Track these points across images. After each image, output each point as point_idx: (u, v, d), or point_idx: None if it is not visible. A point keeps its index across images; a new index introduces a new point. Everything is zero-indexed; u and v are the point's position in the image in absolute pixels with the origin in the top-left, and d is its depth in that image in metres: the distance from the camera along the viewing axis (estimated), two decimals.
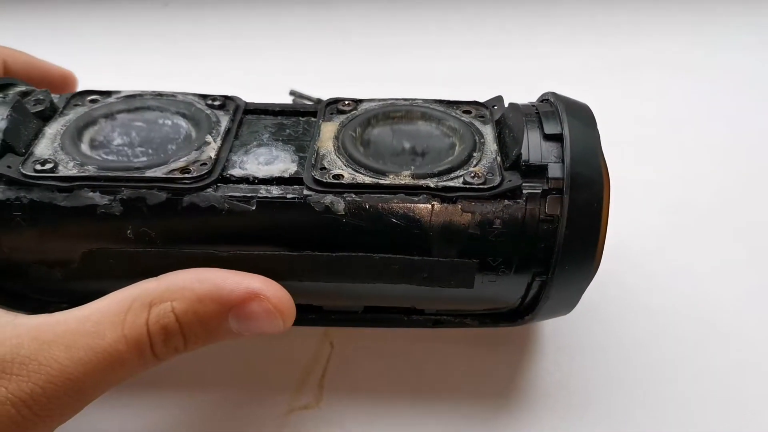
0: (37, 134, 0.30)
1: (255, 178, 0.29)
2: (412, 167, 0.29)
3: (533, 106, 0.32)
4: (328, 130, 0.31)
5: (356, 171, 0.28)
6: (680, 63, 0.51)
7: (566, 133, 0.28)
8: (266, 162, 0.29)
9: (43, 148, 0.29)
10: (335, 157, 0.29)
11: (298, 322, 0.29)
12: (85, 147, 0.30)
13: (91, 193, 0.27)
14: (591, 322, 0.37)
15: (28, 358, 0.24)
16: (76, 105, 0.32)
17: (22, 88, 0.33)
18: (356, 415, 0.34)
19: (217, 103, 0.33)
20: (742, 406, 0.34)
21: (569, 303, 0.31)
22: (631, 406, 0.34)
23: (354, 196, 0.28)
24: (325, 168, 0.29)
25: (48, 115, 0.31)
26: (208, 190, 0.28)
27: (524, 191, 0.28)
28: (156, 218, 0.28)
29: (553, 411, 0.34)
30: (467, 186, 0.28)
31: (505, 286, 0.29)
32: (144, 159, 0.29)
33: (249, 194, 0.28)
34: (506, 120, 0.31)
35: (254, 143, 0.31)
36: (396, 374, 0.36)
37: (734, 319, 0.37)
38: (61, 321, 0.25)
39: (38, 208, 0.28)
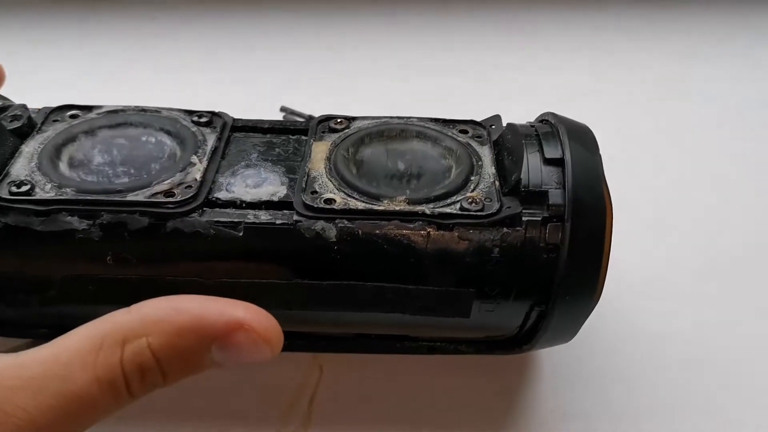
0: (13, 153, 0.29)
1: (242, 201, 0.27)
2: (407, 191, 0.28)
3: (532, 126, 0.31)
4: (320, 150, 0.30)
5: (349, 195, 0.27)
6: (674, 85, 0.51)
7: (567, 157, 0.27)
8: (254, 185, 0.28)
9: (20, 168, 0.28)
10: (327, 179, 0.28)
11: (286, 347, 0.28)
12: (63, 166, 0.29)
13: (69, 218, 0.26)
14: (589, 348, 0.36)
15: None
16: (55, 121, 0.31)
17: None
18: None
19: (203, 119, 0.31)
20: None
21: (569, 333, 0.30)
22: None
23: (346, 222, 0.26)
24: (316, 192, 0.27)
25: (25, 131, 0.30)
26: (193, 215, 0.26)
27: (524, 218, 0.27)
28: (137, 244, 0.26)
29: None
30: (464, 213, 0.27)
31: (503, 315, 0.28)
32: (126, 179, 0.28)
33: (236, 219, 0.26)
34: (505, 142, 0.30)
35: (242, 164, 0.29)
36: (387, 399, 0.34)
37: (735, 348, 0.37)
38: (27, 364, 0.23)
39: (14, 233, 0.26)
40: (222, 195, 0.28)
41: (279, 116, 0.43)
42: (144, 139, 0.30)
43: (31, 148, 0.29)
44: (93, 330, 0.23)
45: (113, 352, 0.23)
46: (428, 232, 0.26)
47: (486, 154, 0.30)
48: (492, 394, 0.35)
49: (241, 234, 0.26)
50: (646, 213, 0.42)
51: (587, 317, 0.29)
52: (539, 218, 0.27)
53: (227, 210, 0.27)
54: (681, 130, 0.48)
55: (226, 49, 0.51)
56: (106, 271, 0.27)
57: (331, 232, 0.26)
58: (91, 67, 0.44)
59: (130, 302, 0.27)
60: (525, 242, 0.27)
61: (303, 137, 0.32)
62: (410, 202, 0.27)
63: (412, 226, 0.26)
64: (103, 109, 0.31)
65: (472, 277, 0.27)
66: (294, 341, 0.31)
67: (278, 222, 0.27)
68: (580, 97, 0.49)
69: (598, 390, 0.35)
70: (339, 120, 0.32)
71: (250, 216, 0.27)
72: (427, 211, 0.27)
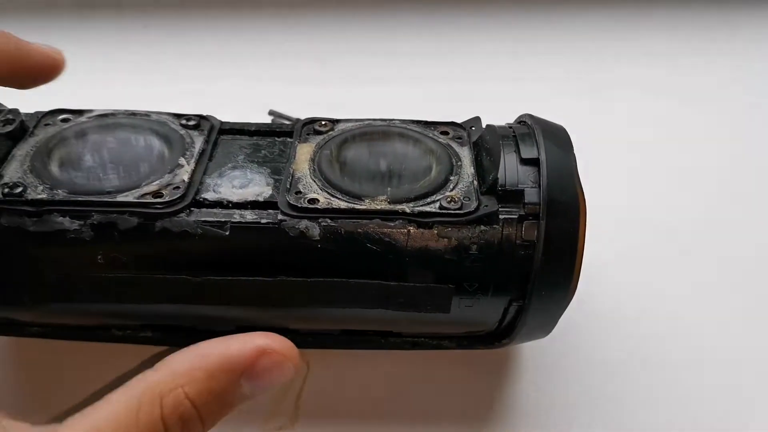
0: (6, 156, 0.29)
1: (229, 202, 0.28)
2: (389, 189, 0.29)
3: (510, 127, 0.32)
4: (304, 152, 0.31)
5: (332, 195, 0.28)
6: (655, 86, 0.52)
7: (543, 157, 0.28)
8: (240, 185, 0.29)
9: (12, 170, 0.29)
10: (311, 180, 0.29)
11: None
12: (55, 168, 0.29)
13: (60, 218, 0.27)
14: (568, 341, 0.37)
15: None
16: (46, 125, 0.31)
17: None
18: None
19: (191, 122, 0.32)
20: (722, 424, 0.35)
21: (546, 327, 0.31)
22: (610, 425, 0.34)
23: (329, 221, 0.27)
24: (300, 192, 0.28)
25: (17, 135, 0.31)
26: (181, 215, 0.27)
27: (500, 216, 0.28)
28: (127, 243, 0.27)
29: (532, 430, 0.34)
30: (443, 212, 0.28)
31: (482, 310, 0.29)
32: (116, 181, 0.29)
33: (223, 219, 0.27)
34: (483, 143, 0.31)
35: (229, 165, 0.30)
36: (373, 395, 0.35)
37: (711, 339, 0.38)
38: None
39: (7, 233, 0.27)
40: (209, 195, 0.28)
41: (268, 120, 0.43)
42: (133, 141, 0.31)
43: (23, 151, 0.30)
44: (127, 395, 0.23)
45: (152, 410, 0.23)
46: (408, 230, 0.27)
47: (465, 154, 0.31)
48: (475, 387, 0.36)
49: (227, 233, 0.27)
50: (623, 209, 0.43)
51: (563, 311, 0.29)
52: (515, 216, 0.28)
53: (214, 210, 0.28)
54: (658, 129, 0.49)
55: (216, 55, 0.51)
56: (97, 270, 0.27)
57: (315, 230, 0.27)
58: (83, 73, 0.44)
59: (120, 300, 0.28)
60: (502, 239, 0.27)
61: (288, 139, 0.32)
62: (391, 201, 0.28)
63: (392, 224, 0.27)
64: (94, 113, 0.32)
65: (451, 274, 0.28)
66: None
67: (263, 221, 0.27)
68: (561, 97, 0.50)
69: (578, 382, 0.36)
70: (323, 122, 0.33)
71: (236, 216, 0.28)
72: (408, 210, 0.27)
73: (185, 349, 0.25)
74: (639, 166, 0.46)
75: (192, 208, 0.28)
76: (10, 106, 0.33)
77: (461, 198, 0.28)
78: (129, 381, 0.24)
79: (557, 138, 0.30)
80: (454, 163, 0.30)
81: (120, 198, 0.27)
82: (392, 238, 0.27)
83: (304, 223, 0.27)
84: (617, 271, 0.40)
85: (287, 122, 0.42)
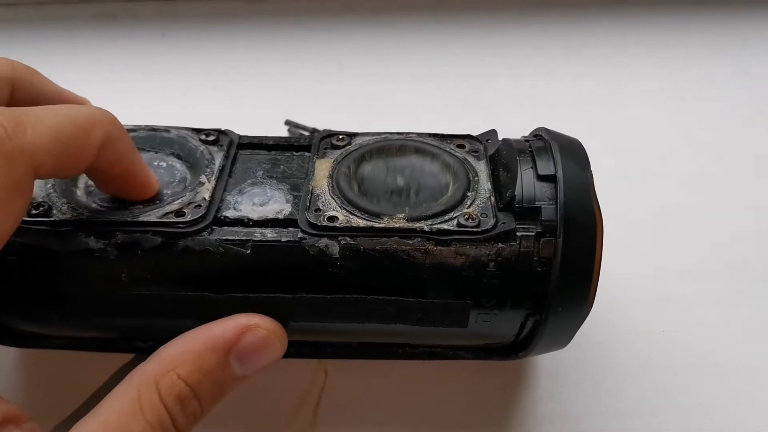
0: None
1: (249, 219, 0.29)
2: (407, 208, 0.29)
3: (526, 141, 0.32)
4: (323, 168, 0.31)
5: (351, 213, 0.28)
6: (670, 96, 0.51)
7: (560, 174, 0.28)
8: (261, 203, 0.29)
9: (36, 189, 0.29)
10: (329, 197, 0.29)
11: (292, 354, 0.29)
12: (78, 188, 0.30)
13: (85, 238, 0.27)
14: (583, 351, 0.37)
15: None
16: None
17: None
18: None
19: (210, 138, 0.32)
20: None
21: (562, 341, 0.31)
22: None
23: (348, 239, 0.28)
24: (319, 209, 0.29)
25: None
26: (203, 234, 0.28)
27: (518, 233, 0.28)
28: (151, 262, 0.28)
29: None
30: (461, 229, 0.28)
31: (499, 325, 0.30)
32: (139, 203, 0.29)
33: (244, 238, 0.28)
34: (500, 157, 0.31)
35: (248, 181, 0.31)
36: (390, 402, 0.36)
37: (728, 350, 0.38)
38: None
39: (32, 252, 0.28)
40: (230, 213, 0.29)
41: (284, 129, 0.44)
42: (155, 163, 0.31)
43: None
44: (126, 387, 0.25)
45: (151, 394, 0.25)
46: (427, 248, 0.28)
47: (482, 169, 0.31)
48: (490, 396, 0.36)
49: (248, 252, 0.28)
50: (638, 220, 0.43)
51: (580, 326, 0.30)
52: (533, 233, 0.28)
53: (235, 228, 0.28)
54: (673, 140, 0.49)
55: (232, 64, 0.52)
56: (121, 288, 0.28)
57: (335, 248, 0.28)
58: (100, 84, 0.45)
59: (144, 316, 0.29)
60: (519, 256, 0.28)
61: (306, 153, 0.33)
62: (409, 219, 0.28)
63: (411, 242, 0.28)
64: None
65: (469, 290, 0.28)
66: (299, 348, 0.32)
67: (284, 239, 0.28)
68: (573, 107, 0.50)
69: (593, 392, 0.36)
70: (341, 137, 0.33)
71: (257, 234, 0.28)
72: (426, 228, 0.28)
73: (174, 339, 0.27)
74: (655, 175, 0.46)
75: (213, 227, 0.28)
76: None
77: (479, 215, 0.28)
78: (126, 376, 0.26)
79: (574, 154, 0.30)
80: (471, 179, 0.30)
81: (143, 217, 0.28)
82: (411, 255, 0.28)
83: (323, 242, 0.28)
84: (633, 281, 0.40)
85: (304, 132, 0.42)
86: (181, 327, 0.29)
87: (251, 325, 0.27)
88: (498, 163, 0.31)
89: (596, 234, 0.28)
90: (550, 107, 0.49)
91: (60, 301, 0.29)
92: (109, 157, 0.27)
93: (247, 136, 0.34)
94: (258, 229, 0.28)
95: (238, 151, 0.33)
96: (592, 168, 0.29)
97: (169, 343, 0.27)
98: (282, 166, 0.32)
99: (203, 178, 0.30)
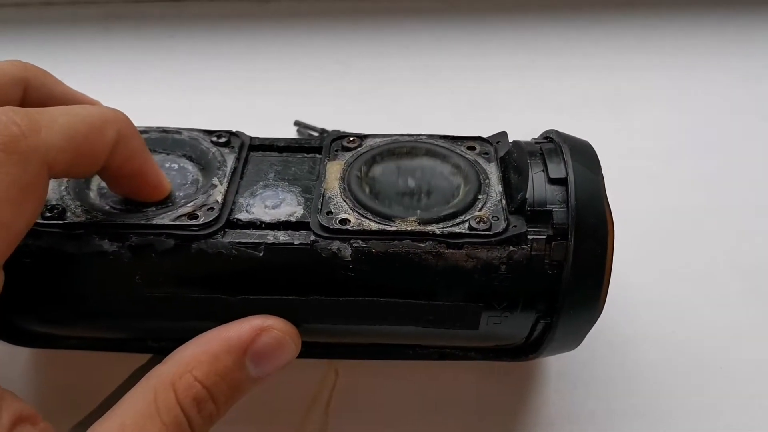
0: None
1: (262, 222, 0.29)
2: (418, 211, 0.29)
3: (537, 143, 0.32)
4: (334, 170, 0.31)
5: (363, 216, 0.29)
6: (679, 97, 0.51)
7: (571, 178, 0.29)
8: (273, 206, 0.30)
9: (50, 192, 0.29)
10: (341, 200, 0.29)
11: (303, 354, 0.30)
12: (92, 190, 0.30)
13: (99, 240, 0.28)
14: (593, 352, 0.37)
15: None
16: None
17: None
18: None
19: (222, 139, 0.33)
20: None
21: (573, 342, 0.31)
22: None
23: (360, 242, 0.28)
24: (331, 212, 0.29)
25: None
26: (216, 236, 0.28)
27: (529, 237, 0.28)
28: (164, 264, 0.28)
29: None
30: (472, 232, 0.28)
31: (510, 327, 0.30)
32: (151, 205, 0.29)
33: (256, 240, 0.28)
34: (511, 159, 0.31)
35: (260, 184, 0.31)
36: (401, 402, 0.36)
37: (737, 352, 0.38)
38: None
39: (47, 255, 0.28)
40: (242, 216, 0.29)
41: (293, 130, 0.44)
42: (167, 165, 0.31)
43: None
44: (142, 388, 0.25)
45: (168, 396, 0.25)
46: (438, 251, 0.28)
47: (493, 171, 0.31)
48: (500, 397, 0.36)
49: (261, 254, 0.28)
50: (650, 222, 0.43)
51: (591, 327, 0.30)
52: (544, 236, 0.28)
53: (248, 231, 0.28)
54: (682, 141, 0.49)
55: (241, 65, 0.52)
56: (135, 289, 0.28)
57: (347, 251, 0.28)
58: (109, 85, 0.45)
59: (157, 318, 0.29)
60: (530, 259, 0.28)
61: (317, 155, 0.33)
62: (421, 222, 0.28)
63: (423, 245, 0.28)
64: None
65: (480, 292, 0.28)
66: (310, 349, 0.32)
67: (296, 242, 0.28)
68: (582, 109, 0.50)
69: (602, 393, 0.36)
70: (351, 138, 0.33)
71: (270, 237, 0.28)
72: (437, 231, 0.28)
73: (190, 341, 0.27)
74: (664, 177, 0.46)
75: (226, 230, 0.28)
76: None
77: (490, 218, 0.28)
78: (142, 378, 0.26)
79: (585, 157, 0.30)
80: (482, 181, 0.30)
81: (156, 220, 0.28)
82: (422, 258, 0.28)
83: (336, 244, 0.28)
84: (642, 282, 0.40)
85: (313, 133, 0.42)
86: (194, 329, 0.30)
87: (266, 327, 0.27)
88: (509, 165, 0.31)
89: (607, 237, 0.28)
90: (558, 109, 0.49)
91: (74, 304, 0.29)
92: (121, 156, 0.27)
93: (258, 138, 0.34)
94: (270, 232, 0.28)
95: (249, 153, 0.33)
96: (603, 169, 0.29)
97: (185, 345, 0.27)
98: (293, 168, 0.32)
99: (215, 181, 0.30)
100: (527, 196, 0.29)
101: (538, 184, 0.29)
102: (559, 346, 0.31)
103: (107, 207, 0.29)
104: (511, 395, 0.36)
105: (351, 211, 0.29)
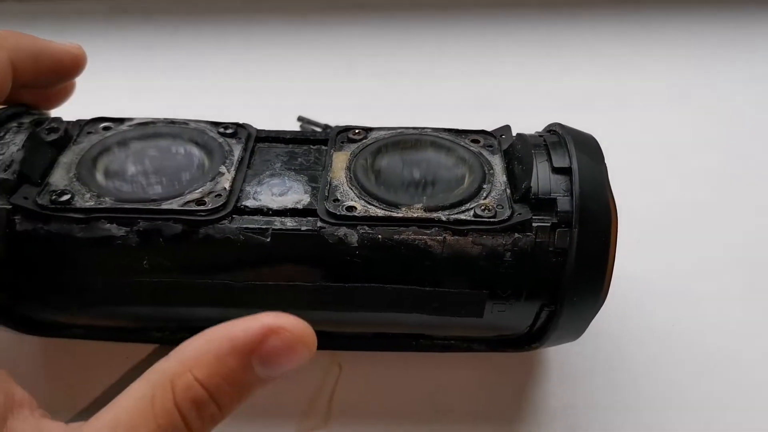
0: (51, 163, 0.30)
1: (269, 209, 0.29)
2: (424, 198, 0.29)
3: (540, 136, 0.32)
4: (340, 160, 0.31)
5: (369, 203, 0.29)
6: (676, 93, 0.52)
7: (575, 166, 0.29)
8: (280, 193, 0.30)
9: (59, 177, 0.29)
10: (348, 188, 0.30)
11: None
12: (100, 176, 0.30)
13: (107, 225, 0.28)
14: (595, 344, 0.37)
15: None
16: (89, 133, 0.32)
17: (35, 116, 0.33)
18: None
19: (229, 131, 0.33)
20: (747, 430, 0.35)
21: (576, 332, 0.31)
22: (638, 426, 0.35)
23: (367, 228, 0.28)
24: (338, 200, 0.29)
25: (62, 143, 0.31)
26: (224, 222, 0.28)
27: (534, 224, 0.28)
28: (172, 250, 0.28)
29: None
30: (478, 219, 0.28)
31: (514, 315, 0.30)
32: (159, 189, 0.29)
33: (264, 226, 0.28)
34: (515, 151, 0.32)
35: (267, 173, 0.31)
36: (403, 396, 0.36)
37: (739, 346, 0.38)
38: None
39: (56, 240, 0.28)
40: (249, 203, 0.29)
41: (296, 125, 0.44)
42: (174, 149, 0.32)
43: (68, 158, 0.31)
44: (143, 384, 0.24)
45: (166, 396, 0.24)
46: (444, 238, 0.28)
47: (497, 162, 0.32)
48: (503, 389, 0.36)
49: (268, 240, 0.28)
50: (652, 216, 0.43)
51: (594, 317, 0.30)
52: (548, 224, 0.28)
53: (255, 217, 0.29)
54: (685, 137, 0.49)
55: (244, 60, 0.52)
56: (142, 275, 0.28)
57: (353, 237, 0.28)
58: (113, 79, 0.46)
59: (164, 303, 0.29)
60: (535, 247, 0.28)
61: (323, 147, 0.33)
62: (427, 209, 0.29)
63: (429, 232, 0.28)
64: (134, 121, 0.33)
65: (485, 280, 0.29)
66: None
67: (303, 228, 0.28)
68: (585, 105, 0.51)
69: (604, 385, 0.36)
70: (357, 131, 0.33)
71: (277, 223, 0.28)
72: (443, 218, 0.28)
73: (196, 335, 0.25)
74: (667, 172, 0.46)
75: (234, 216, 0.29)
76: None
77: (495, 206, 0.29)
78: (146, 371, 0.25)
79: (588, 147, 0.30)
80: (487, 172, 0.31)
81: (164, 206, 0.28)
82: (428, 245, 0.28)
83: (342, 231, 0.28)
84: (645, 276, 0.40)
85: (316, 128, 0.43)
86: (200, 315, 0.30)
87: (276, 328, 0.24)
88: (513, 156, 0.32)
89: (611, 225, 0.28)
90: (561, 105, 0.50)
91: (81, 289, 0.29)
92: (27, 62, 0.30)
93: (264, 130, 0.34)
94: (278, 218, 0.29)
95: (256, 144, 0.33)
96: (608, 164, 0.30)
97: (189, 340, 0.25)
98: (300, 159, 0.32)
99: (223, 169, 0.30)
100: (531, 185, 0.29)
101: (542, 174, 0.29)
102: (562, 335, 0.31)
103: (114, 188, 0.29)
104: (513, 388, 0.36)
105: (357, 199, 0.29)
